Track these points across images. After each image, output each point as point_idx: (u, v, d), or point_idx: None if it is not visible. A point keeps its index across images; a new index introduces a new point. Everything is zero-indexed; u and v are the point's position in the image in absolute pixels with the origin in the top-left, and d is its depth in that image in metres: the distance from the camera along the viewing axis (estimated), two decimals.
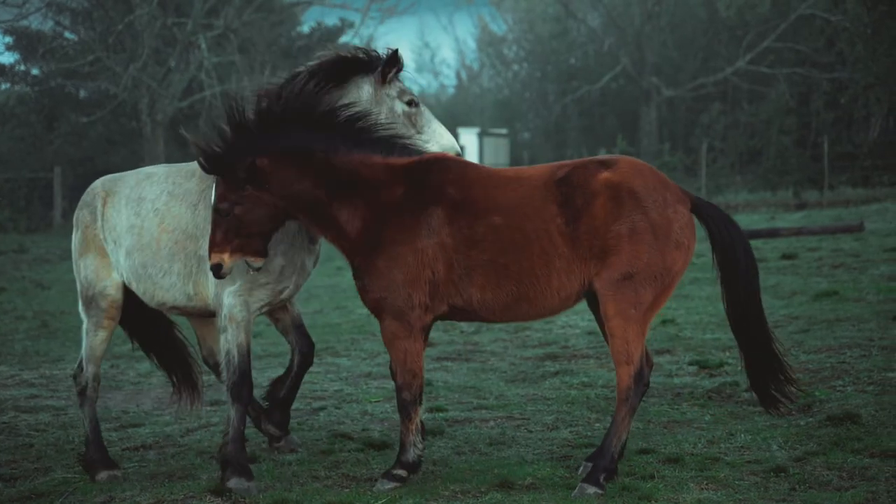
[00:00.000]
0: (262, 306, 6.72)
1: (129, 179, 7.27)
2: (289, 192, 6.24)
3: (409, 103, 6.78)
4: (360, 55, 6.77)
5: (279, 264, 6.63)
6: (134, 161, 34.53)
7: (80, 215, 7.28)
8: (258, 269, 6.41)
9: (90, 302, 7.15)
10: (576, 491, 6.09)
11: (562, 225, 6.12)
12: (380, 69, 6.72)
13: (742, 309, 6.46)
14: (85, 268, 7.19)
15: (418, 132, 6.74)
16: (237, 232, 6.22)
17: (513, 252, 6.15)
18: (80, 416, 7.24)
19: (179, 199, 6.91)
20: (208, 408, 8.90)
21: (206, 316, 7.09)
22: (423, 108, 6.85)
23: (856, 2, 35.35)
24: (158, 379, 10.33)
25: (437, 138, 6.78)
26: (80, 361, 7.24)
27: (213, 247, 6.22)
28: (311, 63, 6.83)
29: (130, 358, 11.61)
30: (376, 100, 6.72)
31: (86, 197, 7.32)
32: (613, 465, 6.22)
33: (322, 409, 8.69)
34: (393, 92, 6.77)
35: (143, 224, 6.94)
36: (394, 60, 6.74)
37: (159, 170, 7.26)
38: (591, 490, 6.06)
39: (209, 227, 6.42)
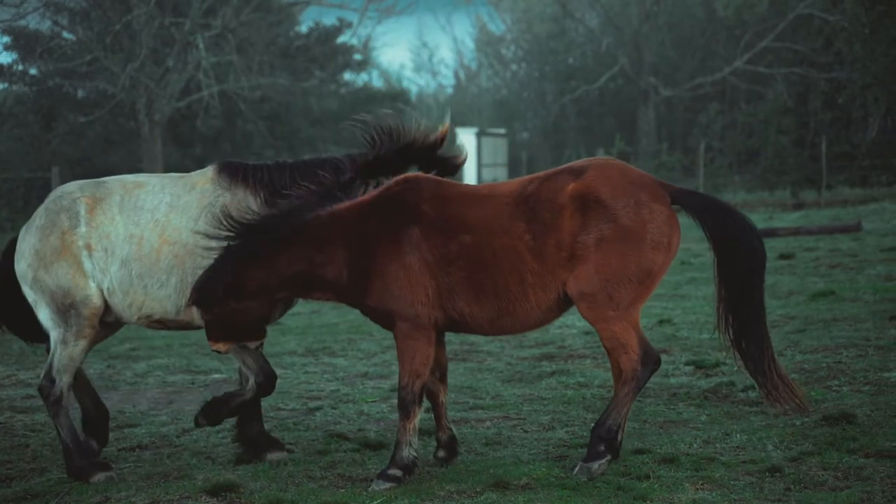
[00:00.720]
0: None
1: (112, 186, 7.10)
2: (267, 286, 6.48)
3: None
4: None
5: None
6: (132, 161, 34.58)
7: (57, 220, 6.95)
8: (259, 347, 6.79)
9: (67, 310, 6.88)
10: (577, 469, 6.32)
11: (530, 241, 6.25)
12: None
13: (738, 304, 6.38)
14: (59, 275, 6.88)
15: None
16: (232, 325, 6.54)
17: (486, 270, 6.30)
18: (56, 426, 6.97)
19: (180, 211, 6.93)
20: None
21: (185, 329, 7.18)
22: None
23: (854, 1, 35.39)
24: (155, 379, 10.34)
25: None
26: (49, 372, 6.94)
27: (211, 338, 6.56)
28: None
29: (127, 358, 11.63)
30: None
31: (60, 201, 7.01)
32: (612, 437, 6.35)
33: (318, 409, 8.69)
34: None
35: (144, 234, 6.90)
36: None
37: (150, 179, 7.20)
38: (595, 465, 6.30)
39: (209, 242, 6.55)
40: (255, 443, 7.18)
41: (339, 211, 6.48)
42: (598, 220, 6.18)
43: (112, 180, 7.21)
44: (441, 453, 6.86)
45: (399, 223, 6.37)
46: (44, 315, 6.99)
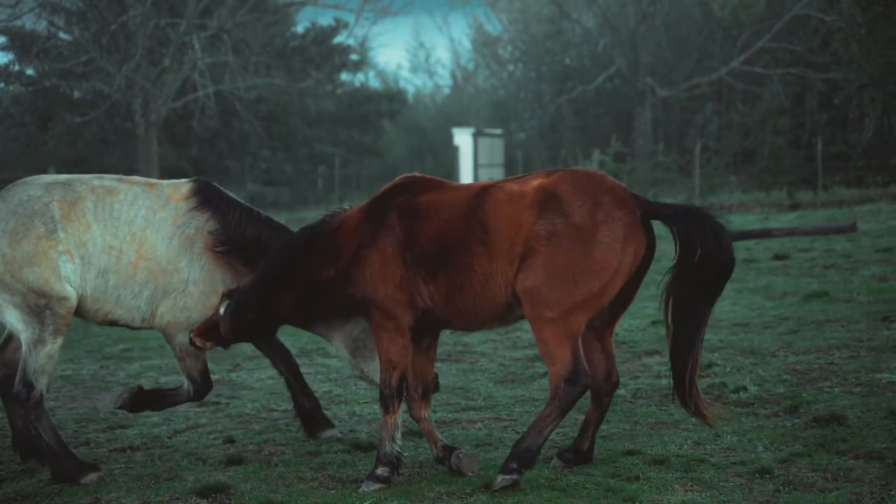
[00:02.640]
0: None
1: (81, 190, 7.01)
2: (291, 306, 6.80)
3: None
4: None
5: None
6: (128, 161, 34.58)
7: (30, 225, 6.81)
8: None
9: (42, 311, 6.78)
10: (497, 480, 6.13)
11: (479, 233, 6.21)
12: None
13: (685, 310, 6.37)
14: (32, 279, 6.76)
15: None
16: (235, 336, 6.83)
17: (442, 255, 6.30)
18: (38, 431, 6.86)
19: (155, 228, 7.05)
20: (197, 409, 8.92)
21: (142, 330, 7.53)
22: None
23: (850, 2, 35.44)
24: (148, 380, 10.33)
25: None
26: (25, 377, 6.81)
27: (199, 334, 6.79)
28: None
29: (120, 359, 11.63)
30: None
31: (30, 205, 6.85)
32: (529, 458, 6.15)
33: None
34: None
35: (122, 247, 6.98)
36: None
37: (119, 185, 7.16)
38: (499, 479, 6.11)
39: (178, 264, 6.99)
40: (313, 417, 7.68)
41: (347, 216, 6.68)
42: (552, 214, 6.09)
43: (76, 182, 7.10)
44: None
45: (382, 212, 6.49)
46: (12, 317, 6.86)
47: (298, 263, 6.61)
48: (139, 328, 7.29)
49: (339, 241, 6.55)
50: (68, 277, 6.85)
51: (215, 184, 7.40)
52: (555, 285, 6.04)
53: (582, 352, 6.19)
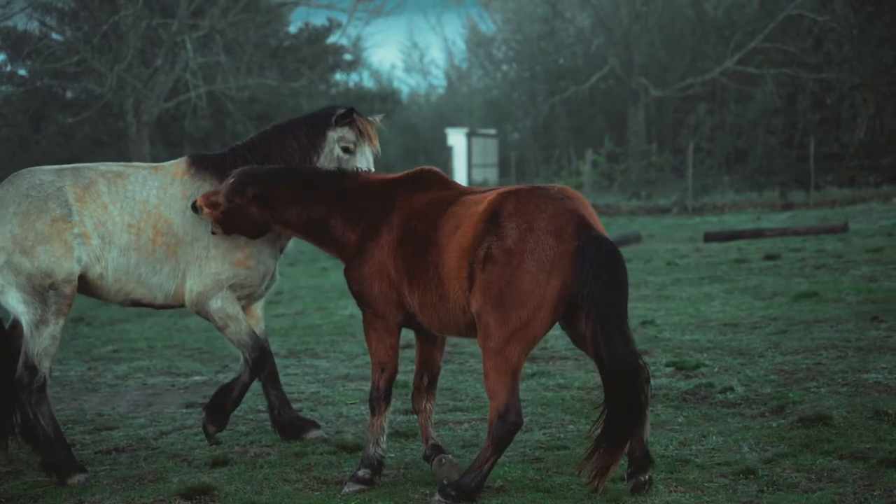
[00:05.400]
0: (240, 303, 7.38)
1: (91, 175, 7.19)
2: (288, 214, 6.75)
3: (345, 149, 7.40)
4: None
5: (261, 271, 7.30)
6: (121, 161, 34.49)
7: (44, 206, 6.92)
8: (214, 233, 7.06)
9: (46, 291, 6.87)
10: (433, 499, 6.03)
11: (435, 255, 6.12)
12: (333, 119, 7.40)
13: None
14: (42, 258, 6.86)
15: None
16: (225, 221, 6.83)
17: (415, 258, 6.21)
18: (36, 416, 6.89)
19: (167, 204, 7.24)
20: (184, 410, 8.91)
21: (165, 309, 7.67)
22: (359, 156, 7.38)
23: (843, 2, 35.49)
24: (135, 381, 10.33)
25: None
26: (28, 360, 6.87)
27: (205, 202, 6.80)
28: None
29: (108, 360, 11.61)
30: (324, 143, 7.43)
31: (43, 189, 6.99)
32: (469, 493, 5.94)
33: (297, 411, 8.65)
34: (335, 135, 7.41)
35: (141, 226, 7.16)
36: (344, 116, 7.38)
37: (127, 169, 7.38)
38: (436, 498, 6.00)
39: (196, 233, 7.13)
40: (290, 428, 7.66)
41: (368, 181, 6.69)
42: (490, 236, 5.85)
43: (84, 168, 7.30)
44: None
45: (390, 206, 6.46)
46: (13, 298, 6.92)
47: (323, 199, 6.65)
48: (161, 307, 7.42)
49: (361, 207, 6.57)
50: (81, 259, 7.00)
51: (200, 153, 7.71)
52: (491, 313, 5.80)
53: (518, 390, 5.87)
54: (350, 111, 7.38)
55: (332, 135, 7.40)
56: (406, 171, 6.69)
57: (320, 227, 6.67)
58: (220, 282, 7.17)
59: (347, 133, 7.39)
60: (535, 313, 5.76)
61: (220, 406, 7.31)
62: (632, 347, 5.81)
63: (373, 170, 7.23)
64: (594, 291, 5.72)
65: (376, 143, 7.48)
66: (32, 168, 7.31)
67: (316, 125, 7.45)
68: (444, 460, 6.48)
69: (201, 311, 7.27)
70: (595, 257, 5.73)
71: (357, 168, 7.13)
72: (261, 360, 7.29)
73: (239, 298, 7.30)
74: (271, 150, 7.38)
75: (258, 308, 7.66)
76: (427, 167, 6.71)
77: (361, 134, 7.40)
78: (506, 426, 5.85)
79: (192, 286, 7.19)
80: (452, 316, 6.14)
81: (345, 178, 6.73)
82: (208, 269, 7.17)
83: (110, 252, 7.08)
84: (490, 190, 6.35)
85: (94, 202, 7.09)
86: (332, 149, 7.40)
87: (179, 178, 7.32)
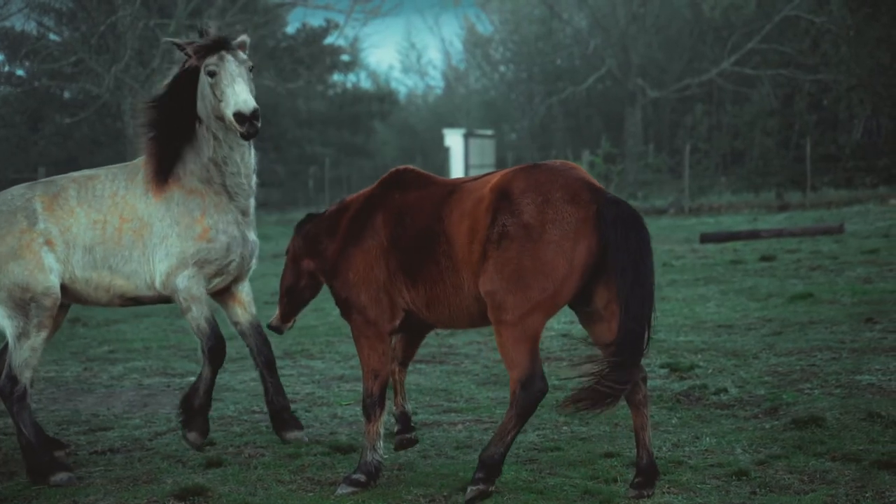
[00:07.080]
0: (215, 282, 7.42)
1: (63, 183, 7.40)
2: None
3: (210, 73, 7.15)
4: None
5: (224, 241, 7.34)
6: (118, 161, 34.48)
7: (13, 220, 7.15)
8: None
9: (27, 304, 7.04)
10: (467, 493, 6.02)
11: (444, 245, 6.10)
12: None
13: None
14: (16, 273, 7.04)
15: (219, 100, 7.10)
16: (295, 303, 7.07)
17: (416, 253, 6.22)
18: (18, 424, 7.00)
19: (133, 192, 7.36)
20: (179, 411, 8.90)
21: (157, 304, 7.60)
22: (222, 73, 7.10)
23: (840, 3, 35.54)
24: (131, 382, 10.33)
25: (229, 101, 7.04)
26: (10, 371, 7.04)
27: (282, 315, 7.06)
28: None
29: (104, 361, 11.61)
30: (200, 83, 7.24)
31: (12, 203, 7.24)
32: (494, 464, 5.97)
33: (292, 412, 8.66)
34: (203, 67, 7.22)
35: (106, 218, 7.28)
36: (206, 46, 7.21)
37: (98, 171, 7.57)
38: (469, 490, 5.99)
39: (158, 215, 7.22)
40: (276, 418, 7.68)
41: (340, 203, 6.80)
42: (503, 214, 5.82)
43: (59, 178, 7.52)
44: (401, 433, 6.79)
45: (371, 210, 6.48)
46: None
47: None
48: (151, 300, 7.45)
49: (336, 223, 6.64)
50: (51, 267, 7.12)
51: None
52: (509, 289, 5.78)
53: (539, 356, 5.94)
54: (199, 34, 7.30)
55: (202, 70, 7.20)
56: (380, 177, 6.73)
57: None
58: (185, 259, 7.24)
59: (210, 60, 7.15)
60: (563, 281, 5.75)
61: (192, 409, 7.39)
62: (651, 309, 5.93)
63: (246, 76, 7.13)
64: (624, 250, 5.73)
65: (236, 53, 7.20)
66: (10, 188, 7.51)
67: (192, 72, 7.26)
68: (404, 440, 6.78)
69: (169, 293, 7.33)
70: (617, 218, 5.75)
71: (224, 89, 7.03)
72: (217, 350, 7.33)
73: (214, 276, 7.37)
74: (175, 105, 7.33)
75: (244, 292, 7.71)
76: (402, 167, 6.69)
77: (210, 48, 7.15)
78: (532, 393, 5.81)
79: (160, 267, 7.27)
80: (466, 306, 6.13)
81: (313, 218, 6.87)
82: (173, 249, 7.25)
83: (74, 254, 7.21)
84: (482, 176, 6.34)
85: (62, 208, 7.25)
86: (203, 83, 7.18)
87: (141, 171, 7.44)
